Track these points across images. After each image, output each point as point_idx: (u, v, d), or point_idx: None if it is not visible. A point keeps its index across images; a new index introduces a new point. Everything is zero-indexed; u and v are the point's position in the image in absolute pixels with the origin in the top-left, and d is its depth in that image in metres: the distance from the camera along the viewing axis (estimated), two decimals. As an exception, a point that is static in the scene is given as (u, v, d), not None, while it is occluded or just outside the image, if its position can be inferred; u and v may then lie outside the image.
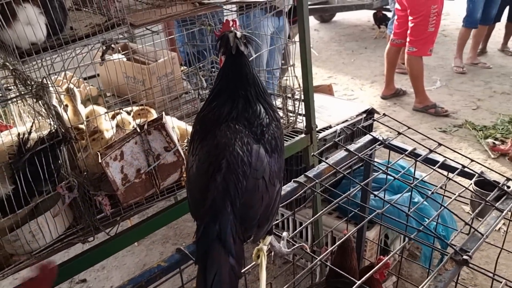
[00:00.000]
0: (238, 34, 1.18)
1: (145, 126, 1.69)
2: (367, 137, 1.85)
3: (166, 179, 1.75)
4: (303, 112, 2.37)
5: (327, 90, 3.55)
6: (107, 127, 1.87)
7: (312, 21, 8.48)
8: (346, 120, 3.05)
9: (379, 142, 1.80)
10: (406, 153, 1.68)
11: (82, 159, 1.69)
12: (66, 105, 1.85)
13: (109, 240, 1.77)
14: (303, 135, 2.38)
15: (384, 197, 1.82)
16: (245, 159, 1.04)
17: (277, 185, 1.10)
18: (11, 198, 1.49)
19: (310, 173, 1.62)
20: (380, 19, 7.59)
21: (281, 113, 2.39)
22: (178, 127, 1.99)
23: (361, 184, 1.66)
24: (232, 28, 1.22)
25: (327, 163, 1.58)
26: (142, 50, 2.78)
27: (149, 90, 2.56)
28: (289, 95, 2.32)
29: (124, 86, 2.66)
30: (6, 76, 1.48)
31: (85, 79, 2.87)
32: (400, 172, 1.65)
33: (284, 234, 1.35)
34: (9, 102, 1.44)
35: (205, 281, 0.91)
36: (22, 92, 1.41)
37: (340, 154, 1.72)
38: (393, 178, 1.62)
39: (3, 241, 1.58)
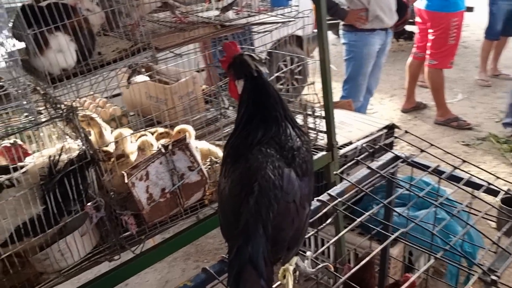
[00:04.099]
0: (253, 54, 1.21)
1: (170, 147, 1.72)
2: (389, 155, 1.85)
3: (190, 198, 1.78)
4: (324, 129, 2.38)
5: (347, 106, 3.56)
6: (132, 150, 1.92)
7: (331, 36, 8.51)
8: (367, 136, 3.05)
9: (401, 159, 1.80)
10: (429, 170, 1.67)
11: (109, 180, 1.73)
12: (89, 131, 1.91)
13: (133, 259, 1.80)
14: (324, 153, 2.38)
15: (408, 214, 1.81)
16: (276, 182, 1.06)
17: (307, 208, 1.12)
18: (41, 218, 1.54)
19: (333, 192, 1.62)
20: (399, 32, 7.58)
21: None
22: (200, 148, 2.02)
23: (384, 202, 1.65)
24: (244, 51, 1.25)
25: (349, 181, 1.59)
26: (167, 71, 2.85)
27: (172, 110, 2.62)
28: (310, 112, 2.34)
29: (147, 105, 2.72)
30: (37, 100, 1.54)
31: (107, 97, 2.96)
32: (424, 189, 1.64)
33: (308, 253, 1.35)
34: (41, 126, 1.49)
35: (237, 304, 0.93)
36: (53, 116, 1.46)
37: (362, 171, 1.72)
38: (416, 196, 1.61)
39: (34, 260, 1.62)
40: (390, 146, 3.05)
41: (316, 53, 6.70)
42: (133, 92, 2.80)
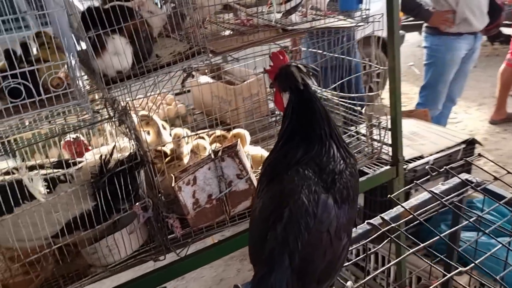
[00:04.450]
0: (301, 66, 1.13)
1: (219, 153, 1.69)
2: (459, 178, 1.66)
3: (236, 206, 1.74)
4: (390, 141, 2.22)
5: (423, 115, 3.30)
6: (186, 152, 1.93)
7: (416, 37, 8.03)
8: (442, 150, 2.80)
9: (472, 185, 1.60)
10: (501, 202, 1.47)
11: (159, 181, 1.74)
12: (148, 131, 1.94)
13: (182, 259, 1.80)
14: (388, 167, 2.22)
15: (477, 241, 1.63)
16: (310, 209, 0.97)
17: (344, 239, 1.02)
18: (91, 214, 1.59)
19: (387, 215, 1.49)
20: (495, 35, 6.93)
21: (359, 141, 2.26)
22: (252, 155, 1.97)
23: (445, 234, 1.48)
24: (291, 61, 1.16)
25: (403, 207, 1.44)
26: (238, 72, 2.83)
27: (235, 111, 2.60)
28: (375, 123, 2.19)
29: (213, 105, 2.73)
30: (94, 100, 1.59)
31: (176, 94, 3.02)
32: (497, 220, 1.45)
33: (349, 283, 1.24)
34: (94, 126, 1.54)
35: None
36: (104, 118, 1.50)
37: (423, 196, 1.56)
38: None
39: (84, 253, 1.69)
40: (467, 163, 2.78)
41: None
42: (201, 91, 2.83)
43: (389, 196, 1.44)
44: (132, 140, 1.58)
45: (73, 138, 1.92)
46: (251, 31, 1.81)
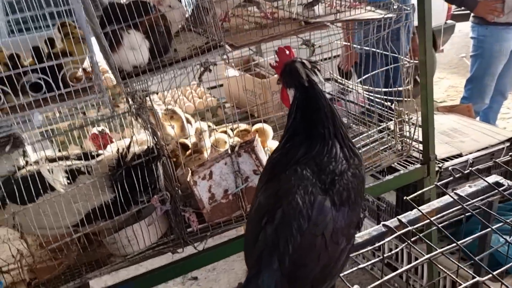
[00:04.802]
0: (306, 62, 1.08)
1: (236, 148, 1.68)
2: (489, 179, 1.55)
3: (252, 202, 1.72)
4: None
5: (466, 111, 3.11)
6: (207, 146, 1.93)
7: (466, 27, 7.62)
8: (483, 149, 2.63)
9: (503, 188, 1.49)
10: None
11: (179, 175, 1.76)
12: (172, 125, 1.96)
13: (199, 253, 1.81)
14: (418, 165, 2.12)
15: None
16: (304, 211, 0.94)
17: (342, 244, 0.97)
18: (110, 206, 1.63)
19: (404, 218, 1.42)
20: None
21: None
22: (271, 149, 1.94)
23: (475, 237, 1.38)
24: (295, 56, 1.12)
25: (420, 211, 1.36)
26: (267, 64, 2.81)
27: (264, 105, 2.58)
28: (406, 119, 2.09)
29: (243, 99, 2.72)
30: (114, 94, 1.62)
31: (208, 89, 3.04)
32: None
33: (355, 287, 1.20)
34: (111, 119, 1.57)
35: None
36: (119, 112, 1.52)
37: (448, 198, 1.47)
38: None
39: (105, 242, 1.74)
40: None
41: (445, 46, 6.04)
42: (232, 84, 2.83)
43: (405, 198, 1.37)
44: (149, 134, 1.60)
45: (98, 131, 1.98)
46: (272, 25, 1.77)
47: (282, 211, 0.94)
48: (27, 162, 1.65)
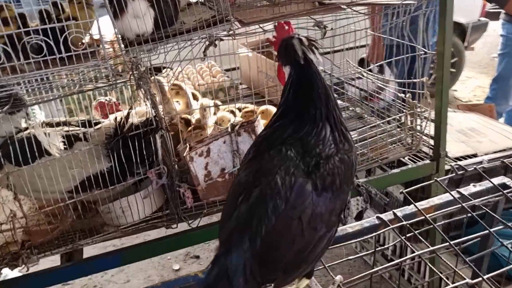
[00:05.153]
0: (303, 39, 1.03)
1: (237, 127, 1.65)
2: (495, 180, 1.47)
3: (249, 184, 1.69)
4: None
5: (487, 111, 2.99)
6: (210, 124, 1.90)
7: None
8: (500, 151, 2.53)
9: (509, 190, 1.41)
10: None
11: (179, 149, 1.74)
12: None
13: (193, 230, 1.80)
14: (427, 161, 2.05)
15: None
16: (282, 192, 0.90)
17: (320, 230, 0.93)
18: (106, 175, 1.63)
19: (400, 212, 1.36)
20: None
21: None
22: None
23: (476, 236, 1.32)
24: (294, 33, 1.07)
25: (416, 206, 1.30)
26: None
27: (276, 87, 2.53)
28: (418, 112, 2.01)
29: (258, 80, 2.68)
30: (118, 64, 1.59)
31: (227, 70, 3.01)
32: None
33: (338, 277, 1.16)
34: (111, 88, 1.55)
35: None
36: (118, 81, 1.50)
37: (447, 196, 1.40)
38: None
39: (100, 211, 1.74)
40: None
41: (477, 44, 5.81)
42: (248, 66, 2.78)
43: (401, 191, 1.31)
44: (149, 105, 1.58)
45: (106, 100, 1.97)
46: (284, 3, 1.71)
47: (260, 190, 0.90)
48: (29, 125, 1.65)
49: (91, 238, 1.70)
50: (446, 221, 2.30)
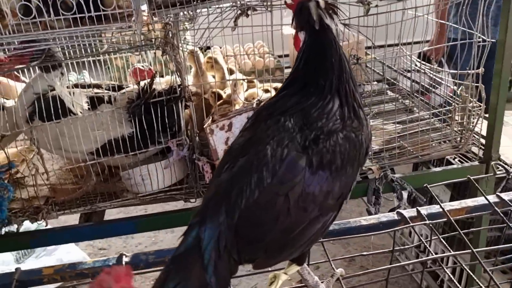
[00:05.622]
0: (321, 2, 0.92)
1: (261, 103, 1.56)
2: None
3: (271, 163, 1.61)
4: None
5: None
6: (241, 100, 1.84)
7: None
8: None
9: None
10: None
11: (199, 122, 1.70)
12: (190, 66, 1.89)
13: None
14: (475, 163, 1.84)
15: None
16: (270, 164, 0.80)
17: (312, 212, 0.82)
18: (127, 140, 1.62)
19: (425, 210, 1.22)
20: None
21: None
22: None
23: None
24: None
25: (441, 207, 1.15)
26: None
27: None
28: (469, 107, 1.81)
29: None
30: (149, 30, 1.56)
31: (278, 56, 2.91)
32: None
33: (339, 270, 1.05)
34: (139, 50, 1.52)
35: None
36: (141, 44, 1.47)
37: (483, 199, 1.24)
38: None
39: (122, 177, 1.74)
40: None
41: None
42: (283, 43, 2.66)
43: (425, 185, 1.17)
44: (176, 73, 1.54)
45: (142, 66, 1.97)
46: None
47: (246, 160, 0.82)
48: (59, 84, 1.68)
49: (110, 202, 1.71)
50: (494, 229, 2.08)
